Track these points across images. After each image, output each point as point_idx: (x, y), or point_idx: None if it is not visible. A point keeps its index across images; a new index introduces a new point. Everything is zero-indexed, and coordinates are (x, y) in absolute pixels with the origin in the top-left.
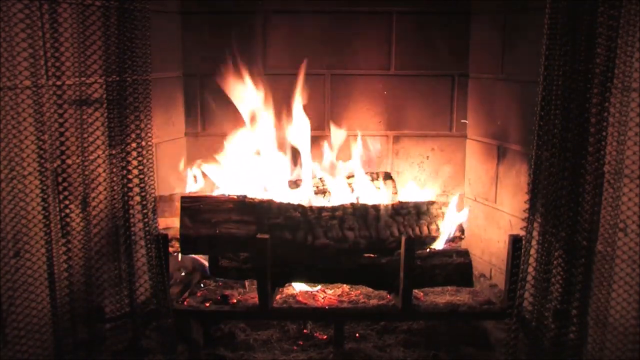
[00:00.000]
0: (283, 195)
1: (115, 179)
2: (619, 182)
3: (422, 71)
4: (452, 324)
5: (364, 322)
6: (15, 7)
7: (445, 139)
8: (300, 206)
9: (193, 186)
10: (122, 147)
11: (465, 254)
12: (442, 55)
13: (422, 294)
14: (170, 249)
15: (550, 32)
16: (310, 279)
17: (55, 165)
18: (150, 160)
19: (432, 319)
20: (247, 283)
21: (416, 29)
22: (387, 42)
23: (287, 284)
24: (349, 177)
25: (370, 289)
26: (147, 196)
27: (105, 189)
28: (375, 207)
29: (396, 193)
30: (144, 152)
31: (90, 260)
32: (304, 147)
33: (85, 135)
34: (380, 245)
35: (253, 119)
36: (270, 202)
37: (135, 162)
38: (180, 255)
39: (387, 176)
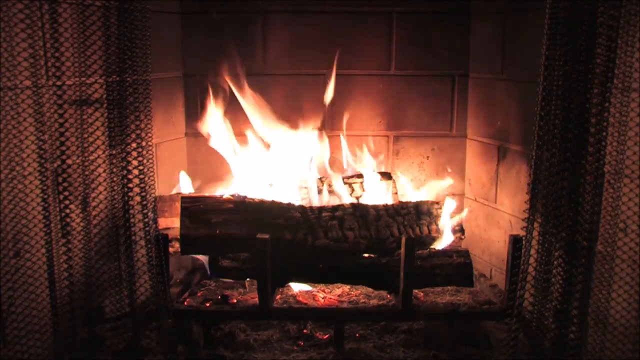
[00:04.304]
0: (283, 195)
1: (115, 179)
2: (619, 182)
3: (422, 71)
4: (452, 324)
5: (364, 322)
6: (15, 7)
7: (445, 139)
8: (300, 206)
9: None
10: (122, 147)
11: (466, 254)
12: (442, 55)
13: (422, 294)
14: (170, 249)
15: (550, 32)
16: (311, 279)
17: (55, 165)
18: (150, 160)
19: (432, 319)
20: (247, 283)
21: (416, 29)
22: (387, 42)
23: (287, 284)
24: (349, 178)
25: (371, 289)
26: (147, 196)
27: (105, 189)
28: (375, 207)
29: (396, 193)
30: (144, 152)
31: (90, 260)
32: (304, 147)
33: (85, 135)
34: (380, 245)
35: (253, 119)
36: (270, 202)
37: (135, 162)
38: (180, 255)
39: (387, 176)
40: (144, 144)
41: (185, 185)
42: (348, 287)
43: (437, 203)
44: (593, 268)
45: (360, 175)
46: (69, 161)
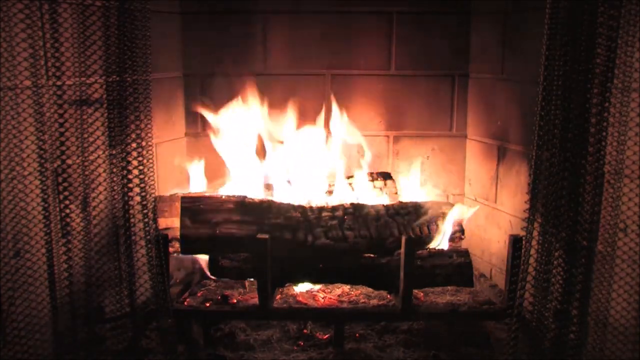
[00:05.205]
0: (283, 195)
1: (115, 179)
2: (619, 182)
3: (422, 71)
4: (452, 324)
5: (364, 322)
6: (15, 7)
7: (445, 139)
8: (300, 206)
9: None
10: (122, 147)
11: (466, 254)
12: (442, 55)
13: (422, 294)
14: (170, 249)
15: (550, 32)
16: (311, 279)
17: (55, 165)
18: (150, 161)
19: (432, 319)
20: (247, 283)
21: (416, 29)
22: (387, 42)
23: (287, 284)
24: (349, 177)
25: (371, 289)
26: (147, 196)
27: (105, 189)
28: (375, 207)
29: (396, 193)
30: (144, 152)
31: (90, 260)
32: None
33: (85, 135)
34: (380, 245)
35: (253, 119)
36: (270, 202)
37: (135, 162)
38: (180, 255)
39: (387, 176)
40: (144, 144)
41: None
42: (348, 287)
43: (437, 203)
44: (593, 268)
45: (360, 176)
46: (69, 161)
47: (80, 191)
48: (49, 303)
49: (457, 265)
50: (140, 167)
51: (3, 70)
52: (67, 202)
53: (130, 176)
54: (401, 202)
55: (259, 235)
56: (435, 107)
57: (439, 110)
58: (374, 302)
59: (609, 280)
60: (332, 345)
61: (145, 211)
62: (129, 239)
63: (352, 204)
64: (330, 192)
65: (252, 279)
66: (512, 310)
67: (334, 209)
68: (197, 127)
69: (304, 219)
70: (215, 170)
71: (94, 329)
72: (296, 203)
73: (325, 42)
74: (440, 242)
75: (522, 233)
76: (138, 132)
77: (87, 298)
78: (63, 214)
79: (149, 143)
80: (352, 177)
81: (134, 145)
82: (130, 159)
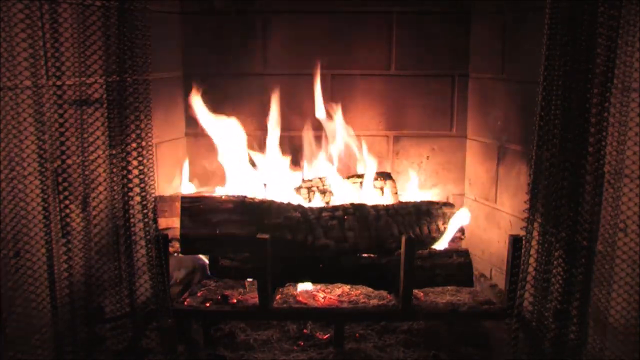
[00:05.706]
0: (283, 195)
1: (115, 179)
2: (619, 182)
3: (422, 71)
4: (452, 324)
5: (364, 322)
6: (15, 7)
7: (445, 139)
8: (300, 206)
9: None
10: (122, 147)
11: (466, 254)
12: (442, 55)
13: (422, 294)
14: (170, 249)
15: (550, 32)
16: (311, 279)
17: (55, 165)
18: (150, 160)
19: (432, 319)
20: (247, 283)
21: (416, 29)
22: (387, 42)
23: (287, 284)
24: (349, 177)
25: (371, 289)
26: (147, 196)
27: (105, 189)
28: (375, 207)
29: (396, 193)
30: (144, 152)
31: (90, 260)
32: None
33: (85, 135)
34: (380, 245)
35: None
36: (270, 202)
37: (135, 162)
38: (180, 255)
39: (387, 176)
40: (144, 144)
41: (186, 184)
42: (348, 287)
43: (437, 203)
44: (593, 268)
45: (360, 175)
46: (69, 161)
47: (80, 191)
48: (49, 303)
49: (457, 265)
50: (140, 167)
51: (3, 70)
52: (67, 202)
53: (130, 176)
54: (401, 202)
55: (259, 235)
56: (435, 107)
57: (439, 110)
58: (374, 302)
59: (609, 280)
60: (332, 345)
61: (145, 211)
62: (129, 239)
63: (352, 204)
64: (330, 192)
65: (252, 279)
66: (512, 310)
67: (334, 209)
68: (197, 127)
69: (304, 219)
70: (215, 169)
71: (94, 329)
72: (296, 203)
73: (325, 42)
74: (442, 242)
75: (522, 233)
76: (138, 132)
77: (87, 298)
78: (63, 214)
79: (149, 143)
80: (352, 177)
81: (134, 145)
82: (130, 159)
